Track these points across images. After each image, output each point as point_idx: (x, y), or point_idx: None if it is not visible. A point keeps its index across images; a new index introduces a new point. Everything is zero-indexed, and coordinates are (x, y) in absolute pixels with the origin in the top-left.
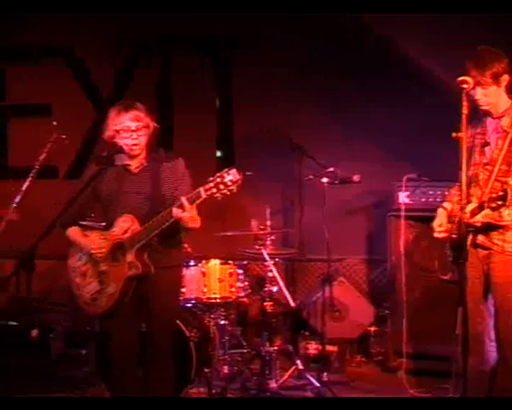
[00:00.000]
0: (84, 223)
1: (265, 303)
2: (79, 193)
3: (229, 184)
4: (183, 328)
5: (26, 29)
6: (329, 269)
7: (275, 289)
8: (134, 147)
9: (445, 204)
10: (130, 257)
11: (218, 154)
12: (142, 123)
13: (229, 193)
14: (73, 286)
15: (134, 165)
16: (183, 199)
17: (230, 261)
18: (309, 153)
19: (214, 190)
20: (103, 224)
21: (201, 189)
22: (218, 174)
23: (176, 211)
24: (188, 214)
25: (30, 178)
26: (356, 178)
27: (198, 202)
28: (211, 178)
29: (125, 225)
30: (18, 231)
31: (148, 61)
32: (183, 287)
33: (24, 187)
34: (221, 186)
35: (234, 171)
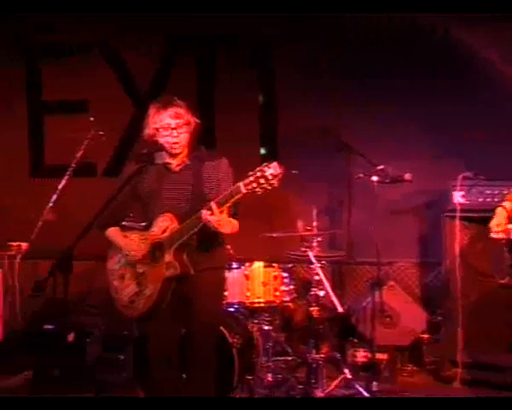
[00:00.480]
0: (124, 223)
1: (311, 308)
2: (118, 192)
3: (270, 178)
4: (226, 333)
5: (58, 25)
6: (379, 273)
7: (321, 293)
8: (175, 145)
9: (505, 203)
10: (168, 257)
11: (262, 152)
12: (183, 120)
13: (270, 188)
14: (111, 289)
15: (175, 163)
16: (212, 203)
17: (275, 264)
18: (358, 151)
19: (254, 185)
20: (143, 224)
21: (241, 183)
22: (259, 168)
23: (205, 213)
24: (215, 218)
25: (67, 177)
26: (407, 176)
27: (237, 197)
28: (251, 173)
29: (164, 225)
30: (54, 232)
31: (187, 60)
32: (225, 290)
33: (60, 186)
34: (261, 180)
35: (275, 164)
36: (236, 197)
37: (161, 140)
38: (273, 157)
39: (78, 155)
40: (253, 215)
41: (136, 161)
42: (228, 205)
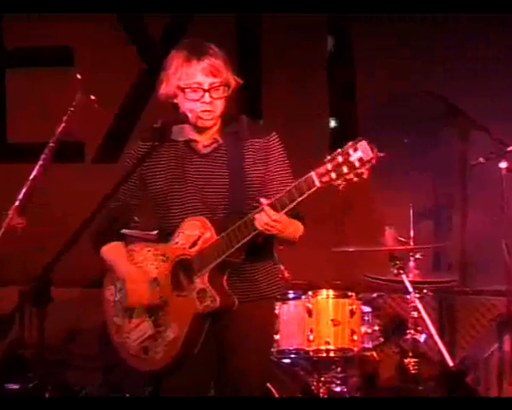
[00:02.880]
0: (128, 232)
1: (406, 360)
2: (118, 185)
3: (357, 165)
4: (276, 394)
5: None
6: (511, 307)
7: (422, 337)
8: (205, 115)
9: None
10: (200, 283)
11: (333, 124)
12: (221, 79)
13: (356, 179)
14: (111, 330)
15: (203, 142)
16: (267, 206)
17: (351, 293)
18: (477, 123)
19: (333, 176)
20: (154, 232)
21: (313, 174)
22: (340, 151)
23: (261, 219)
24: (277, 224)
25: (41, 162)
26: None
27: (307, 194)
28: (328, 158)
29: (192, 234)
30: (24, 244)
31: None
32: (276, 332)
33: (32, 175)
34: (344, 169)
35: (363, 144)
36: (306, 195)
37: (185, 106)
38: (349, 131)
39: (59, 130)
40: (318, 220)
41: (145, 138)
42: (291, 206)
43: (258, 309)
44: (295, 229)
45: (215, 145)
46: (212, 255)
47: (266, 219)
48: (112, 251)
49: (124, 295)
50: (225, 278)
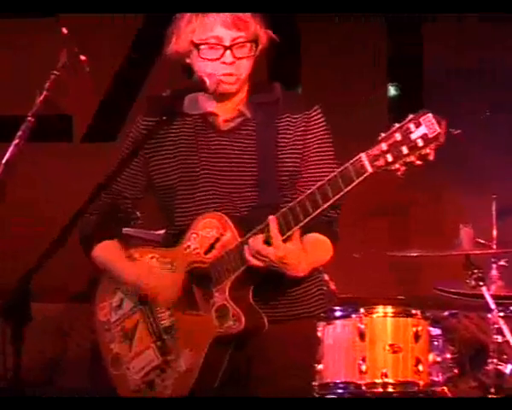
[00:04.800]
0: (127, 231)
1: (490, 395)
2: (115, 173)
3: (421, 144)
4: None
5: None
6: None
7: (508, 368)
8: (227, 78)
9: None
10: (220, 298)
11: (392, 93)
12: (247, 33)
13: (419, 162)
14: (107, 359)
15: (225, 115)
16: (271, 220)
17: (415, 311)
18: None
19: (390, 158)
20: (160, 232)
21: (364, 156)
22: (398, 126)
23: (256, 240)
24: (279, 253)
25: (16, 141)
26: None
27: (357, 181)
28: (382, 136)
29: (208, 235)
30: None
31: None
32: (318, 361)
33: (5, 158)
34: (403, 149)
35: (429, 117)
36: (354, 184)
37: (201, 68)
38: (413, 102)
39: (39, 100)
40: (371, 216)
41: (149, 112)
42: (331, 202)
43: (295, 332)
44: (314, 257)
45: (240, 120)
46: (234, 263)
47: (261, 246)
48: (107, 251)
49: (126, 311)
50: (252, 291)
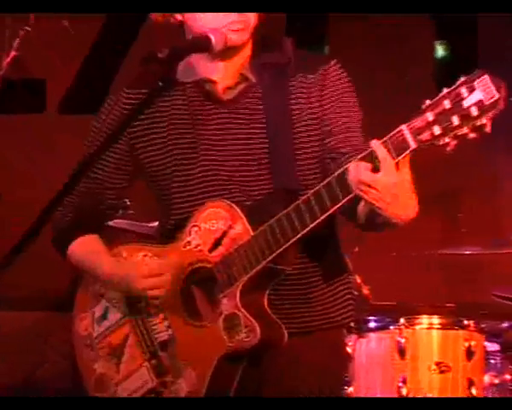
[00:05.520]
0: (113, 223)
1: None
2: (95, 155)
3: (475, 112)
4: None
5: None
6: None
7: None
8: (234, 26)
9: None
10: (229, 305)
11: (440, 54)
12: None
13: (472, 135)
14: (90, 381)
15: (224, 81)
16: (375, 144)
17: (468, 322)
18: None
19: (437, 131)
20: (153, 224)
21: (405, 128)
22: (447, 91)
23: (359, 168)
24: (390, 179)
25: None
26: None
27: (400, 158)
28: (428, 103)
29: (213, 228)
30: None
31: None
32: (349, 382)
33: None
34: (454, 119)
35: (485, 80)
36: (395, 161)
37: (199, 24)
38: (467, 69)
39: (5, 61)
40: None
41: (135, 82)
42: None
43: (319, 346)
44: (411, 201)
45: (243, 86)
46: (245, 262)
47: (366, 174)
48: (87, 247)
49: (112, 322)
50: (267, 296)
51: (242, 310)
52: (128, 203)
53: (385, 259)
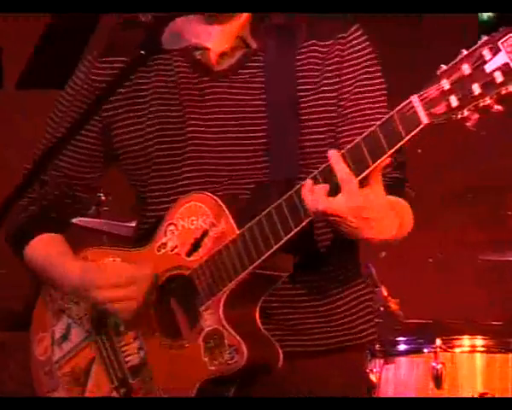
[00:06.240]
0: (81, 222)
1: None
2: (60, 140)
3: (500, 79)
4: None
5: None
6: None
7: None
8: None
9: None
10: (211, 319)
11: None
12: None
13: (499, 107)
14: None
15: (218, 47)
16: (334, 158)
17: None
18: None
19: (455, 102)
20: (130, 224)
21: (416, 99)
22: (465, 53)
23: (313, 193)
24: (354, 202)
25: None
26: None
27: (410, 136)
28: (443, 68)
29: (192, 227)
30: None
31: None
32: None
33: None
34: (475, 88)
35: (511, 38)
36: (404, 140)
37: None
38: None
39: None
40: (451, 202)
41: (108, 50)
42: (377, 165)
43: (330, 371)
44: (398, 219)
45: (241, 53)
46: (229, 266)
47: (322, 189)
48: (42, 243)
49: (77, 343)
50: (258, 309)
51: (226, 326)
52: (102, 198)
53: (418, 266)
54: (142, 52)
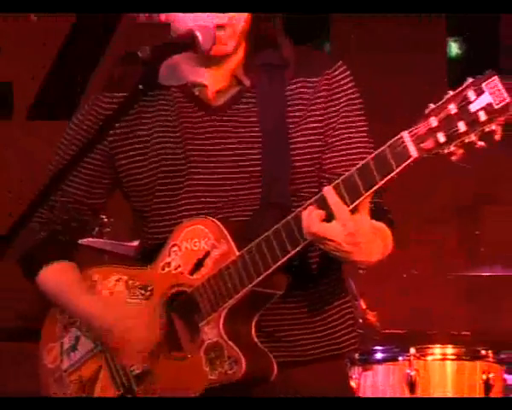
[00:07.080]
0: (88, 242)
1: None
2: (68, 167)
3: (483, 117)
4: None
5: None
6: None
7: None
8: (220, 32)
9: None
10: (212, 333)
11: (453, 53)
12: None
13: (481, 143)
14: None
15: (215, 85)
16: (326, 190)
17: (486, 351)
18: None
19: (442, 138)
20: (133, 244)
21: (406, 135)
22: (452, 94)
23: (310, 217)
24: (346, 238)
25: None
26: None
27: (398, 170)
28: (431, 107)
29: (194, 248)
30: None
31: None
32: None
33: None
34: (460, 125)
35: (494, 81)
36: (394, 174)
37: (182, 20)
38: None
39: None
40: (428, 221)
41: (113, 85)
42: (369, 194)
43: (316, 379)
44: (382, 243)
45: (236, 91)
46: (230, 285)
47: (317, 215)
48: (59, 274)
49: (84, 354)
50: (255, 324)
51: (226, 339)
52: (105, 220)
53: (393, 281)
54: (141, 87)
